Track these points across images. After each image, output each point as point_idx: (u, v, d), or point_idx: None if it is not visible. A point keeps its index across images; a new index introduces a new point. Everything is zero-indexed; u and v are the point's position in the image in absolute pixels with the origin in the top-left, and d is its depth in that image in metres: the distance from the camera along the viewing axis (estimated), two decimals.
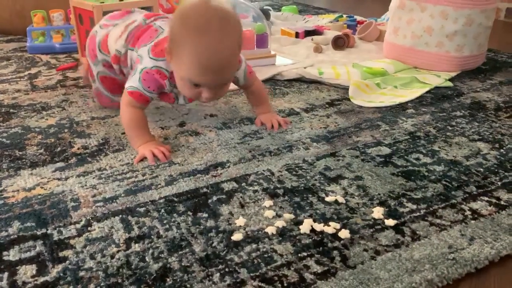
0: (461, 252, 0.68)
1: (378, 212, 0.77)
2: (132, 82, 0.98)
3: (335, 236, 0.71)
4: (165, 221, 0.75)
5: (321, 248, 0.69)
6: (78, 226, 0.74)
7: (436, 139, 1.05)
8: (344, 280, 0.62)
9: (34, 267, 0.65)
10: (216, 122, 1.14)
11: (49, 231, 0.73)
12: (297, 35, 1.92)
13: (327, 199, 0.81)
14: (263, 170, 0.91)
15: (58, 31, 1.85)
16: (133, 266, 0.65)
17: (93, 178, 0.88)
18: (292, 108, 1.23)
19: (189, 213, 0.77)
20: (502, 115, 1.20)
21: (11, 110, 1.22)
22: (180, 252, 0.68)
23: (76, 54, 1.75)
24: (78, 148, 1.00)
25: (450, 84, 1.42)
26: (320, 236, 0.71)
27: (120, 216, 0.77)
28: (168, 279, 0.63)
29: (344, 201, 0.80)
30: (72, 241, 0.70)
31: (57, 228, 0.73)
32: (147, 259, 0.67)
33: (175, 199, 0.81)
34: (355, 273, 0.64)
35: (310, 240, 0.71)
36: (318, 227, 0.73)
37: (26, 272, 0.64)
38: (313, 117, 1.17)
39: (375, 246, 0.69)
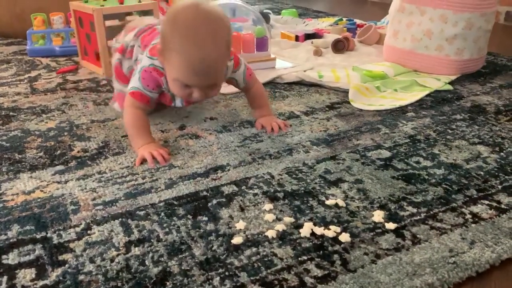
0: (462, 256, 0.67)
1: (378, 216, 0.77)
2: (133, 83, 1.01)
3: (335, 240, 0.71)
4: (165, 225, 0.75)
5: (321, 251, 0.68)
6: (77, 229, 0.74)
7: (436, 143, 1.05)
8: (345, 284, 0.62)
9: (34, 271, 0.65)
10: (216, 125, 1.14)
11: (48, 235, 0.73)
12: (297, 38, 1.93)
13: (327, 202, 0.81)
14: (263, 173, 0.91)
15: (58, 34, 1.86)
16: (132, 270, 0.65)
17: (93, 181, 0.88)
18: (292, 111, 1.23)
19: (189, 216, 0.77)
20: (502, 118, 1.20)
21: (11, 113, 1.22)
22: (180, 256, 0.68)
23: (76, 57, 1.75)
24: (78, 151, 1.00)
25: (450, 87, 1.42)
26: (321, 239, 0.71)
27: (120, 219, 0.76)
28: (168, 283, 0.62)
29: (344, 205, 0.80)
30: (71, 245, 0.70)
31: (57, 232, 0.73)
32: (147, 262, 0.66)
33: (175, 202, 0.81)
34: (355, 277, 0.63)
35: (311, 243, 0.70)
36: (319, 230, 0.73)
37: (26, 275, 0.64)
38: (313, 120, 1.17)
39: (376, 250, 0.69)
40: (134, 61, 1.10)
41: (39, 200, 0.82)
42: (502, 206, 0.80)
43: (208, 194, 0.84)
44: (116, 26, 1.50)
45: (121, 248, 0.69)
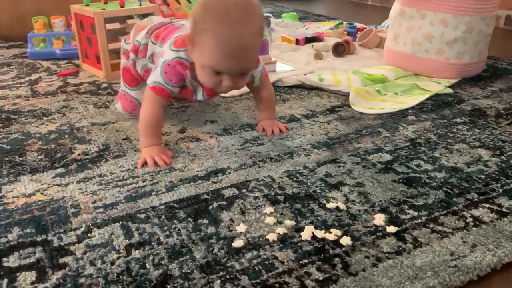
0: (463, 259, 0.67)
1: (379, 219, 0.76)
2: (154, 77, 0.99)
3: (336, 243, 0.71)
4: (165, 228, 0.75)
5: (322, 255, 0.68)
6: (78, 232, 0.74)
7: (437, 146, 1.05)
8: (346, 287, 0.62)
9: (34, 274, 0.65)
10: (216, 128, 1.14)
11: (49, 237, 0.72)
12: (297, 42, 1.93)
13: (328, 205, 0.81)
14: (263, 177, 0.91)
15: (59, 37, 1.86)
16: (133, 273, 0.65)
17: (94, 184, 0.88)
18: (293, 114, 1.23)
19: (190, 219, 0.77)
20: (503, 122, 1.20)
21: (12, 116, 1.22)
22: (180, 259, 0.68)
23: (76, 60, 1.75)
24: (79, 154, 1.00)
25: (450, 91, 1.42)
26: (321, 243, 0.71)
27: (121, 222, 0.76)
28: (168, 286, 0.62)
29: (345, 208, 0.80)
30: (72, 248, 0.70)
31: (57, 235, 0.73)
32: (147, 265, 0.66)
33: (176, 205, 0.81)
34: (356, 280, 0.63)
35: (311, 247, 0.70)
36: (319, 234, 0.73)
37: (26, 278, 0.64)
38: (313, 124, 1.17)
39: (377, 253, 0.69)
40: (148, 58, 1.09)
41: (39, 203, 0.82)
42: (503, 209, 0.80)
43: (209, 197, 0.84)
44: (117, 29, 1.50)
45: (121, 251, 0.69)
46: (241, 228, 0.74)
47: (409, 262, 0.67)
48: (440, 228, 0.75)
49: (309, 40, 1.95)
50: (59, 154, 1.00)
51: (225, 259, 0.67)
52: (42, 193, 0.85)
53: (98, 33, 1.46)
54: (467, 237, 0.72)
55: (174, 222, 0.76)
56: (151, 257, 0.68)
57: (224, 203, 0.82)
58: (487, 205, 0.81)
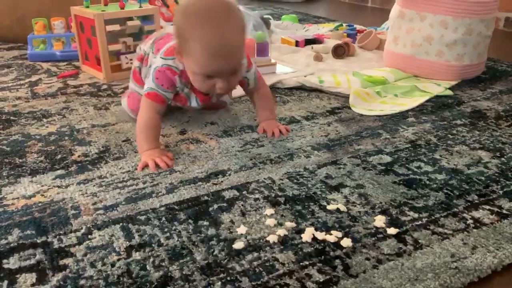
0: (464, 261, 0.67)
1: (380, 221, 0.76)
2: (148, 84, 1.03)
3: (337, 245, 0.71)
4: (166, 229, 0.75)
5: (323, 256, 0.68)
6: (78, 234, 0.74)
7: (437, 148, 1.05)
8: None
9: (34, 275, 0.65)
10: (216, 130, 1.14)
11: (49, 239, 0.72)
12: (297, 43, 1.93)
13: (329, 207, 0.81)
14: (264, 178, 0.91)
15: (59, 39, 1.86)
16: (133, 275, 0.65)
17: (94, 185, 0.88)
18: (293, 116, 1.23)
19: (190, 221, 0.77)
20: (503, 123, 1.20)
21: (12, 118, 1.22)
22: (181, 261, 0.67)
23: (76, 62, 1.75)
24: (79, 156, 1.00)
25: (450, 92, 1.42)
26: (322, 244, 0.71)
27: (121, 224, 0.76)
28: None
29: (345, 210, 0.80)
30: (72, 249, 0.70)
31: (57, 236, 0.73)
32: (148, 267, 0.66)
33: (176, 207, 0.81)
34: (357, 282, 0.63)
35: (312, 248, 0.70)
36: (320, 235, 0.73)
37: (26, 280, 0.64)
38: (313, 125, 1.17)
39: (377, 255, 0.69)
40: (148, 67, 1.11)
41: (39, 204, 0.82)
42: (504, 211, 0.80)
43: (209, 199, 0.84)
44: (117, 31, 1.50)
45: (122, 253, 0.69)
46: (241, 229, 0.74)
47: (410, 264, 0.67)
48: (440, 229, 0.75)
49: (309, 42, 1.95)
50: (59, 156, 1.00)
51: (225, 260, 0.67)
52: (42, 195, 0.85)
53: (98, 35, 1.46)
54: (468, 239, 0.72)
55: (174, 224, 0.76)
56: (151, 259, 0.68)
57: (225, 204, 0.82)
58: (488, 207, 0.81)
